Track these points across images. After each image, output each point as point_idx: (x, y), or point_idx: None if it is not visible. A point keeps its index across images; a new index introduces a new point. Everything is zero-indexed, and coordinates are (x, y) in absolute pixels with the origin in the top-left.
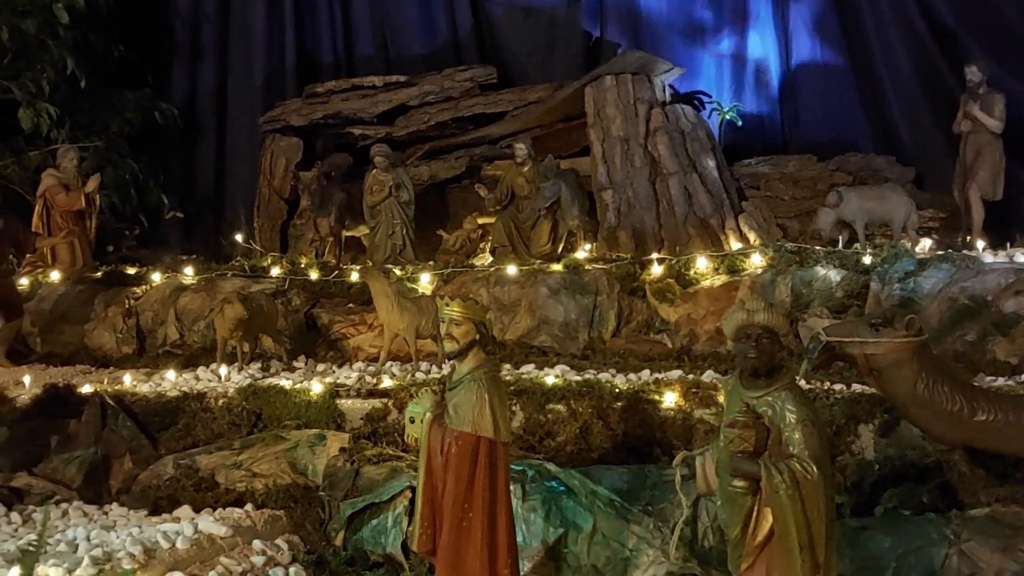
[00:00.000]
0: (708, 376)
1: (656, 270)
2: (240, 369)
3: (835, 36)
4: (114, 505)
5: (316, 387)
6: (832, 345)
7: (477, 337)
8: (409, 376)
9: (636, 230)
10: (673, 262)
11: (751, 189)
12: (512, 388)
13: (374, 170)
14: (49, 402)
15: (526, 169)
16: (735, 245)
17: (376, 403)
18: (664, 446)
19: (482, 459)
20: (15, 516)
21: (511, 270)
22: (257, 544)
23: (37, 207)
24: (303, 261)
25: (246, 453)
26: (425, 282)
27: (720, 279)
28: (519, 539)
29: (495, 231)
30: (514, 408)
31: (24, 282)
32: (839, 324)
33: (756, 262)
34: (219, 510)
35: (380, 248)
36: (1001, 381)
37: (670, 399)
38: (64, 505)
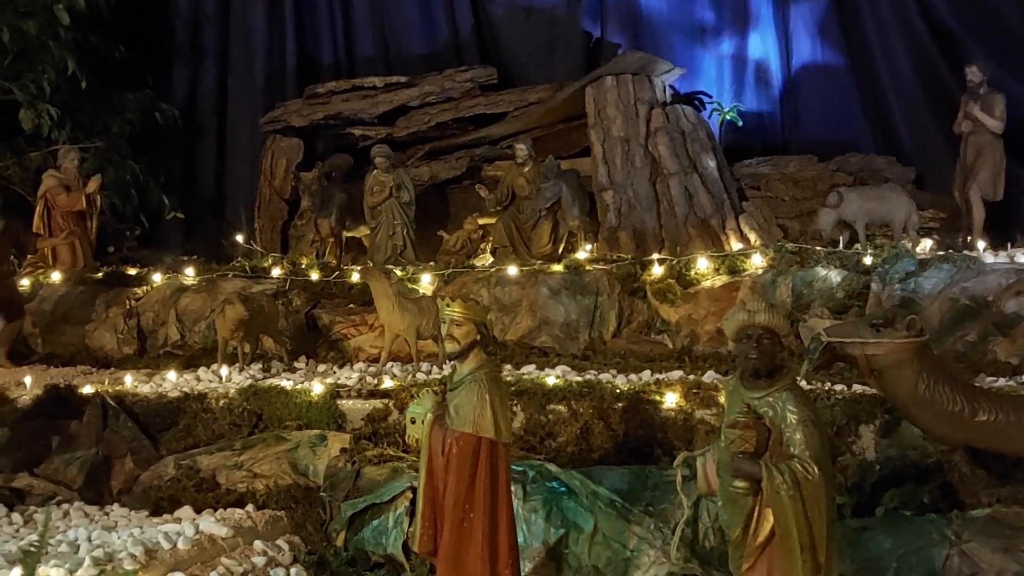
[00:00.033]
0: (709, 377)
1: (657, 270)
2: (241, 370)
3: (835, 37)
4: (115, 506)
5: (317, 388)
6: (833, 346)
7: (478, 338)
8: (410, 377)
9: (637, 230)
10: (674, 262)
11: (752, 189)
12: (513, 389)
13: (375, 171)
14: (50, 403)
15: (527, 170)
16: (736, 245)
17: (377, 404)
18: (665, 447)
19: (483, 460)
20: (16, 517)
21: (512, 271)
22: (258, 545)
23: (38, 208)
24: (304, 262)
25: (247, 454)
26: (426, 283)
27: (721, 280)
28: (520, 540)
29: (496, 232)
30: (515, 409)
31: (25, 283)
32: (840, 325)
33: (757, 262)
34: (220, 511)
35: (381, 249)
36: (1002, 381)
37: (671, 400)
38: (65, 506)
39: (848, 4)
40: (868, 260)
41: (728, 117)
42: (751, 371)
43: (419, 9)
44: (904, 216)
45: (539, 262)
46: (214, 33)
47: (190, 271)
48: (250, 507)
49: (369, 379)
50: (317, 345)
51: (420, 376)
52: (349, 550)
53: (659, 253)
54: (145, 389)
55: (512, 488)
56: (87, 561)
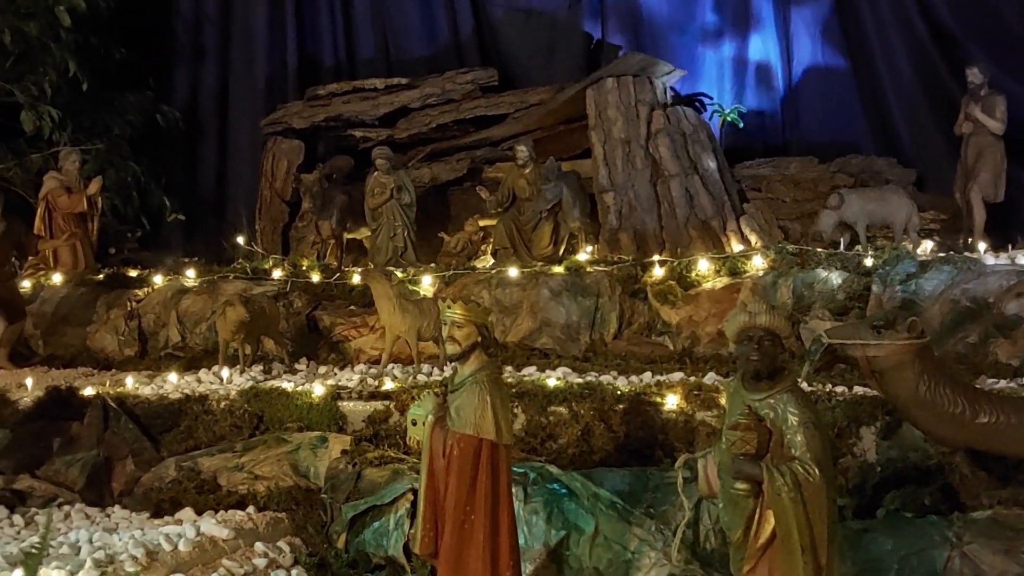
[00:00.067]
0: (710, 378)
1: (657, 272)
2: (242, 371)
3: (836, 38)
4: (116, 507)
5: (318, 389)
6: (834, 347)
7: (479, 339)
8: (411, 378)
9: (637, 232)
10: (674, 264)
11: (752, 191)
12: (514, 390)
13: (375, 172)
14: (51, 404)
15: (527, 171)
16: (736, 247)
17: (378, 405)
18: (666, 448)
19: (484, 461)
20: (17, 519)
21: (512, 272)
22: (259, 546)
23: (39, 209)
24: (305, 263)
25: (248, 455)
26: (427, 284)
27: (721, 281)
28: (521, 541)
29: (496, 233)
30: (516, 410)
31: (26, 284)
32: (841, 326)
33: (758, 264)
34: (221, 512)
35: (381, 250)
36: (1003, 383)
37: (672, 401)
38: (66, 507)
39: (849, 6)
40: (869, 262)
41: (729, 118)
42: (752, 373)
43: (420, 11)
44: (905, 218)
45: (540, 264)
46: (215, 35)
47: (191, 273)
48: (251, 509)
49: (370, 381)
50: (318, 347)
51: (421, 378)
52: (350, 552)
53: (660, 255)
54: (146, 391)
55: (513, 490)
56: (88, 563)
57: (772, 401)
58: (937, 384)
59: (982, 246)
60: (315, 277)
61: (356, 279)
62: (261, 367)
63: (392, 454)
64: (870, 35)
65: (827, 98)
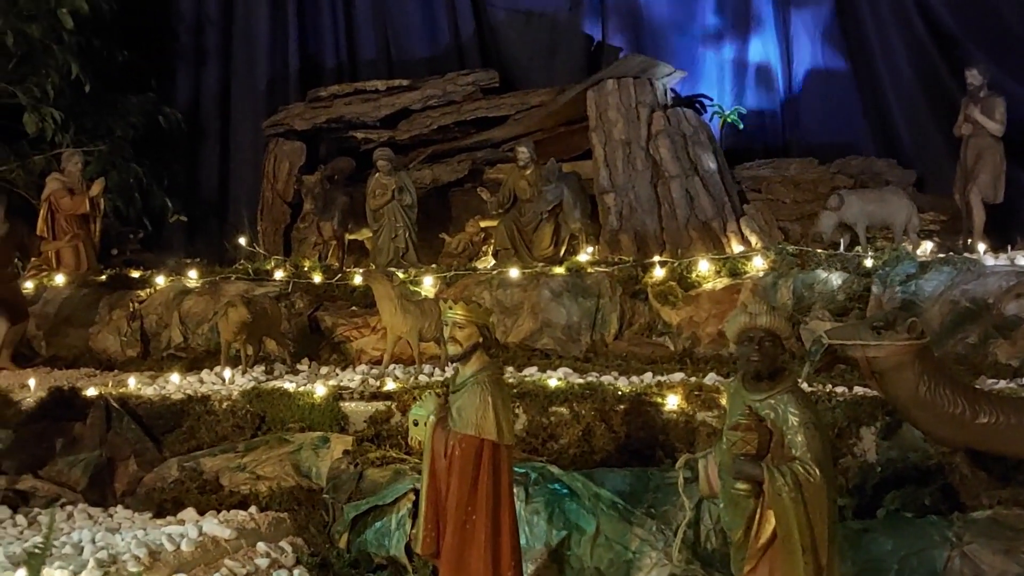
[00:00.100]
0: (710, 379)
1: (658, 273)
2: (244, 372)
3: (836, 39)
4: (119, 507)
5: (320, 390)
6: (834, 348)
7: (480, 340)
8: (412, 379)
9: (638, 233)
10: (675, 265)
11: (752, 192)
12: (515, 391)
13: (377, 174)
14: (54, 405)
15: (528, 172)
16: (737, 248)
17: (379, 406)
18: (667, 449)
19: (486, 462)
20: (20, 519)
21: (513, 273)
22: (261, 546)
23: (42, 211)
24: (306, 264)
25: (250, 456)
26: (428, 285)
27: (722, 282)
28: (522, 541)
29: (497, 234)
30: (517, 411)
31: (29, 285)
32: (841, 327)
33: (758, 265)
34: (223, 512)
35: (383, 251)
36: (1003, 384)
37: (672, 402)
38: (69, 508)
39: (849, 7)
40: (869, 263)
41: (729, 120)
42: (753, 373)
43: (421, 13)
44: (905, 219)
45: (541, 264)
46: (217, 37)
47: (193, 274)
48: (253, 509)
49: (372, 381)
50: (320, 347)
51: (422, 378)
52: (352, 552)
53: (660, 255)
54: (149, 391)
55: (514, 490)
56: (91, 563)
57: (773, 402)
58: (937, 385)
59: (982, 247)
60: (317, 278)
61: (358, 280)
62: (263, 368)
63: (394, 454)
64: (870, 36)
65: (827, 99)
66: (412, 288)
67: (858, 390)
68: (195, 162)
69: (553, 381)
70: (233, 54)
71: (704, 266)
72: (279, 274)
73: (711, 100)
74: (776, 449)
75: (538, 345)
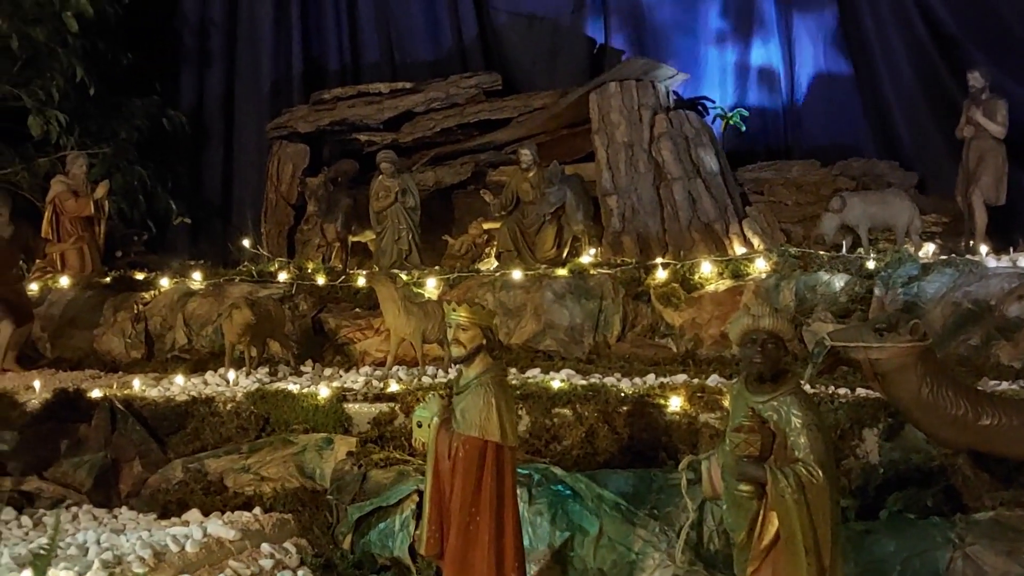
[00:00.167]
0: (713, 380)
1: (661, 275)
2: (248, 373)
3: (838, 42)
4: (124, 509)
5: (323, 391)
6: (837, 350)
7: (483, 342)
8: (416, 380)
9: (641, 235)
10: (677, 267)
11: (755, 194)
12: (518, 392)
13: (380, 176)
14: (59, 407)
15: (531, 175)
16: (739, 250)
17: (383, 407)
18: (670, 450)
19: (489, 463)
20: (26, 520)
21: (516, 275)
22: (265, 547)
23: (47, 213)
24: (310, 266)
25: (254, 457)
26: (431, 287)
27: (724, 284)
28: (526, 542)
29: (500, 236)
30: (520, 412)
31: (34, 287)
32: (844, 329)
33: (760, 267)
34: (228, 514)
35: (386, 253)
36: (1005, 385)
37: (675, 403)
38: (74, 509)
39: (850, 10)
40: (871, 264)
41: (731, 122)
42: (755, 375)
43: (424, 16)
44: (907, 220)
45: (544, 266)
46: (221, 39)
47: (197, 276)
48: (257, 510)
49: (375, 383)
50: (323, 349)
51: (426, 380)
52: (356, 553)
53: (663, 257)
54: (153, 393)
55: (518, 491)
56: (96, 564)
57: (775, 403)
58: (939, 386)
59: (984, 249)
60: (320, 280)
61: (361, 282)
62: (267, 369)
63: (397, 456)
64: (871, 39)
65: (829, 101)
66: (415, 290)
67: (860, 392)
68: (199, 164)
69: (556, 383)
70: (237, 57)
71: (707, 268)
72: (283, 276)
73: (713, 102)
74: (779, 451)
75: (541, 347)
